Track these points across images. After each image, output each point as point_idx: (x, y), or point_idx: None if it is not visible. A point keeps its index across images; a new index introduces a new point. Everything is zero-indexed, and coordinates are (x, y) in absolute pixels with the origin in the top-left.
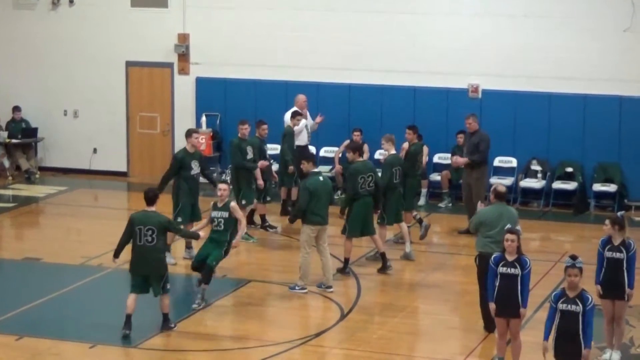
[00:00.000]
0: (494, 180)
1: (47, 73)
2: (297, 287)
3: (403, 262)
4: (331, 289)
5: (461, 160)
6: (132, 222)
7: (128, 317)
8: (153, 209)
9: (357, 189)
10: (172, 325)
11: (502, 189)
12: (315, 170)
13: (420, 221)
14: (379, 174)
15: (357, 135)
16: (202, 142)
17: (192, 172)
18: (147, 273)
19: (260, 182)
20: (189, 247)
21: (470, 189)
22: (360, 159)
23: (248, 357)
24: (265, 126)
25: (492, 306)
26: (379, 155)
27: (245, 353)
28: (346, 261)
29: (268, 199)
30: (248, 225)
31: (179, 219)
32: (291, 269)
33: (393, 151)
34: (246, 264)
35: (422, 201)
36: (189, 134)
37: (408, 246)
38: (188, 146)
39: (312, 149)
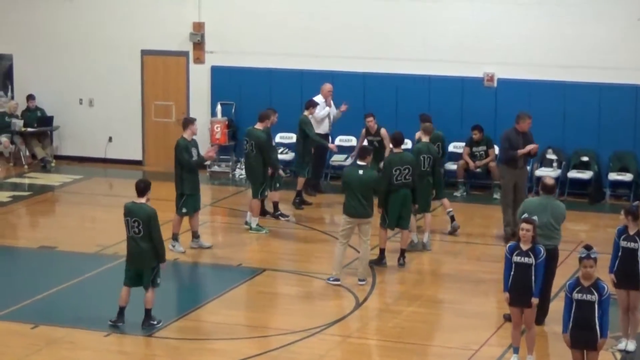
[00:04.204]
0: None
1: (62, 62)
2: (330, 278)
3: (418, 251)
4: (363, 282)
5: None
6: (124, 212)
7: (121, 310)
8: (143, 200)
9: (392, 181)
10: (155, 322)
11: (549, 181)
12: (360, 163)
13: (452, 218)
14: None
15: (370, 121)
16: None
17: (193, 159)
18: (139, 265)
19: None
20: (195, 236)
21: (514, 189)
22: (399, 150)
23: (265, 346)
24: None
25: (506, 295)
26: None
27: (262, 341)
28: (381, 252)
29: (277, 185)
30: (261, 216)
31: (184, 210)
32: (306, 257)
33: (425, 139)
34: (261, 252)
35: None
36: (188, 122)
37: (426, 236)
38: (187, 134)
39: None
